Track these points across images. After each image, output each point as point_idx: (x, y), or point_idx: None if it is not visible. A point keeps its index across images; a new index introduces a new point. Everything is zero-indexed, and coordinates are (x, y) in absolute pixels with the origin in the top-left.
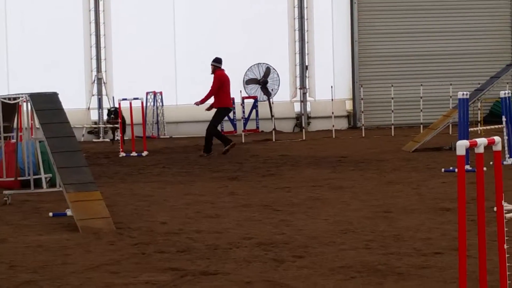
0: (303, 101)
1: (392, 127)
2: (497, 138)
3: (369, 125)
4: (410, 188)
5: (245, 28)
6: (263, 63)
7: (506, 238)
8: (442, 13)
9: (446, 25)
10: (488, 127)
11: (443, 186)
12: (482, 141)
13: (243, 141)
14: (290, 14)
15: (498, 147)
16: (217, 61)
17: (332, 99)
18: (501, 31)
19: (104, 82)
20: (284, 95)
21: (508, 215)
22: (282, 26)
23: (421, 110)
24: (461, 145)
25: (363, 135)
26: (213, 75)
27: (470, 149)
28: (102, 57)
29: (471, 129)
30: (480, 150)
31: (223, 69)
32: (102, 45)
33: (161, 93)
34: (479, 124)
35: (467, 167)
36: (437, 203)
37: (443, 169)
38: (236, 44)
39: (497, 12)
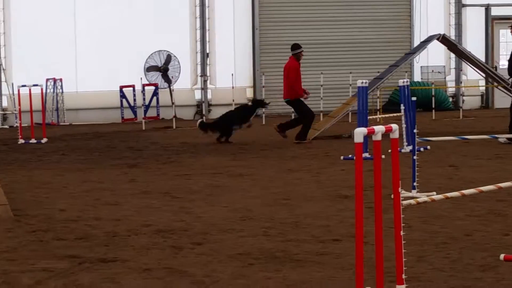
0: (204, 89)
1: (292, 114)
2: (394, 126)
3: (270, 113)
4: (309, 175)
5: (146, 15)
6: (164, 51)
7: (402, 225)
8: (343, 2)
9: (346, 14)
10: (387, 115)
11: (342, 173)
12: (379, 128)
13: (144, 128)
14: (191, 1)
15: (395, 135)
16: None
17: (233, 87)
18: (400, 20)
19: (3, 69)
20: (185, 82)
21: (404, 202)
22: (183, 14)
23: (321, 98)
24: (359, 133)
25: (264, 122)
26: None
27: (368, 136)
28: (1, 43)
29: (370, 117)
30: (378, 137)
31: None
32: (1, 31)
33: (61, 79)
34: (378, 112)
35: (366, 154)
36: (335, 190)
37: (342, 157)
38: (137, 31)
39: (396, 2)
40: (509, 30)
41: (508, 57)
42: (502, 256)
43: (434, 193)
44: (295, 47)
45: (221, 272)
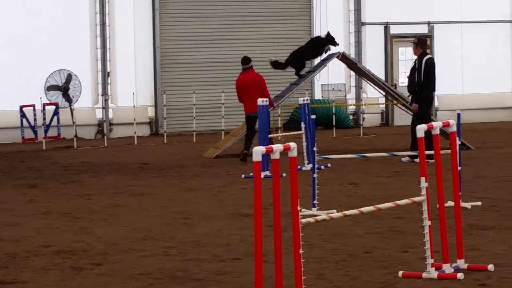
0: (105, 108)
1: (194, 133)
2: (292, 144)
3: (171, 132)
4: (210, 194)
5: (45, 34)
6: (65, 70)
7: (302, 243)
8: (244, 20)
9: (248, 32)
10: (288, 134)
11: (243, 192)
12: (278, 147)
13: (44, 148)
14: (91, 20)
15: (293, 153)
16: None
17: (134, 106)
18: (301, 38)
19: None
20: (86, 101)
21: (303, 220)
22: (83, 32)
23: (223, 117)
24: (258, 152)
25: (165, 141)
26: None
27: (269, 155)
28: None
29: (272, 135)
30: (276, 156)
31: (246, 70)
32: None
33: None
34: (279, 130)
35: (267, 173)
36: (236, 209)
37: (243, 175)
38: (36, 49)
39: (297, 20)
40: (411, 48)
41: (408, 74)
42: (400, 273)
43: (334, 210)
44: (249, 59)
45: None
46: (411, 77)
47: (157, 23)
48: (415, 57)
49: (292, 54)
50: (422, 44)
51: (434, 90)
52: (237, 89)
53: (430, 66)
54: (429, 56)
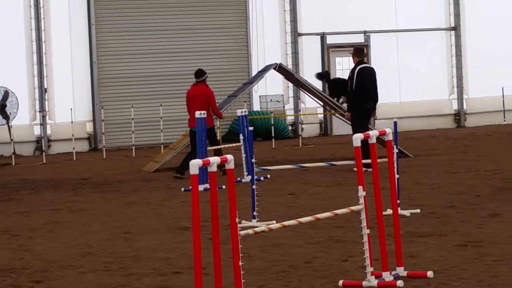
0: (43, 124)
1: (133, 148)
2: (229, 157)
3: (110, 147)
4: (150, 208)
5: None
6: (1, 87)
7: (241, 255)
8: (180, 33)
9: (184, 45)
10: (227, 146)
11: (183, 205)
12: (214, 160)
13: None
14: (27, 36)
15: (231, 166)
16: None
17: (72, 122)
18: (238, 50)
19: None
20: (23, 118)
21: (242, 232)
22: (19, 48)
23: (162, 130)
24: (194, 165)
25: (104, 156)
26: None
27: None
28: None
29: (211, 148)
30: (213, 169)
31: (197, 83)
32: None
33: None
34: (218, 142)
35: (207, 185)
36: (176, 222)
37: (183, 189)
38: None
39: (233, 32)
40: (349, 57)
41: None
42: (341, 282)
43: (274, 222)
44: (202, 72)
45: None
46: (348, 82)
47: (93, 38)
48: (352, 66)
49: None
50: (358, 53)
51: (373, 99)
52: (186, 101)
53: (362, 75)
54: (363, 65)
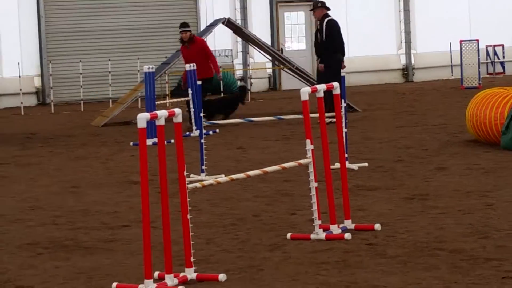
0: None
1: (82, 102)
2: (177, 110)
3: (58, 101)
4: (98, 162)
5: None
6: None
7: (190, 208)
8: None
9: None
10: (176, 100)
11: (132, 159)
12: (162, 113)
13: None
14: None
15: (178, 119)
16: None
17: (19, 76)
18: (186, 5)
19: None
20: None
21: (190, 186)
22: None
23: (110, 85)
24: (142, 118)
25: (53, 111)
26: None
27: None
28: None
29: (159, 102)
30: (161, 122)
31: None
32: None
33: None
34: (167, 97)
35: (155, 140)
36: (125, 176)
37: (131, 143)
38: None
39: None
40: (296, 12)
41: (296, 39)
42: (289, 235)
43: (223, 175)
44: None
45: (9, 263)
46: (315, 40)
47: None
48: (304, 21)
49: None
50: (325, 6)
51: (341, 50)
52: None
53: (330, 27)
54: (330, 18)
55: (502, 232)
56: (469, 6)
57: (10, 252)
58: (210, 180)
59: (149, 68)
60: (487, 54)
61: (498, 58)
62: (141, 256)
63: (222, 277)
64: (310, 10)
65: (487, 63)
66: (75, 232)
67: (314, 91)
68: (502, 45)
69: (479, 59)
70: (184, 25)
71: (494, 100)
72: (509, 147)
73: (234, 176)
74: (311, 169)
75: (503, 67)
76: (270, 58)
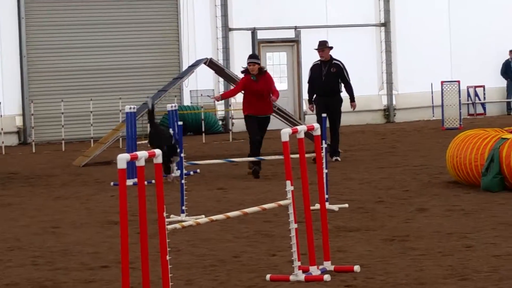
0: None
1: (63, 142)
2: (157, 151)
3: (40, 141)
4: (79, 202)
5: None
6: None
7: (169, 249)
8: (110, 27)
9: (115, 39)
10: None
11: (112, 199)
12: (142, 154)
13: None
14: None
15: (158, 160)
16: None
17: (1, 115)
18: (169, 45)
19: None
20: None
21: (169, 227)
22: None
23: (92, 125)
24: (122, 159)
25: (34, 151)
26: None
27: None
28: None
29: (140, 142)
30: (141, 163)
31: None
32: None
33: None
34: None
35: (135, 180)
36: (105, 216)
37: (112, 183)
38: None
39: (164, 26)
40: (278, 52)
41: (278, 80)
42: (268, 276)
43: (203, 216)
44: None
45: None
46: (318, 80)
47: (23, 32)
48: (286, 61)
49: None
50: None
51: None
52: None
53: (344, 68)
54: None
55: (481, 274)
56: (450, 47)
57: None
58: (190, 221)
59: (130, 108)
60: (468, 95)
61: (479, 99)
62: None
63: None
64: (317, 49)
65: (468, 104)
66: (55, 273)
67: (295, 132)
68: (483, 86)
69: (460, 100)
70: (253, 56)
71: (474, 142)
72: (490, 189)
73: (214, 217)
74: (291, 210)
75: (484, 108)
76: None
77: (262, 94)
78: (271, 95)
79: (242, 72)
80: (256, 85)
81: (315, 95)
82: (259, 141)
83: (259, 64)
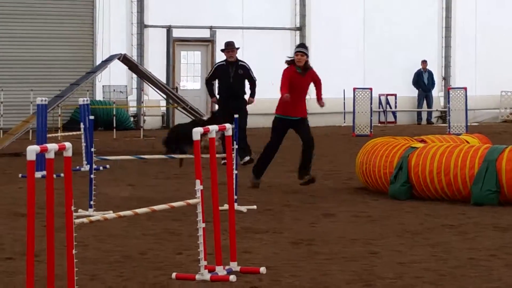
0: None
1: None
2: (67, 144)
3: None
4: None
5: None
6: None
7: (75, 243)
8: (24, 18)
9: (28, 31)
10: (68, 134)
11: (20, 191)
12: (52, 146)
13: None
14: None
15: (68, 153)
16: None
17: None
18: (82, 38)
19: None
20: None
21: (77, 221)
22: None
23: (2, 115)
24: (31, 150)
25: None
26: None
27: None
28: None
29: (50, 135)
30: (51, 155)
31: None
32: None
33: None
34: (59, 130)
35: (44, 173)
36: (11, 208)
37: (20, 175)
38: None
39: (79, 20)
40: (193, 52)
41: (192, 79)
42: (174, 274)
43: (111, 212)
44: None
45: None
46: (226, 80)
47: None
48: (200, 61)
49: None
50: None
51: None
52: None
53: (250, 69)
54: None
55: (386, 281)
56: (364, 55)
57: None
58: (97, 216)
59: (42, 100)
60: (380, 103)
61: (391, 107)
62: None
63: None
64: (226, 49)
65: (379, 111)
66: None
67: (206, 132)
68: (395, 95)
69: (371, 107)
70: (303, 45)
71: (384, 149)
72: (397, 197)
73: (122, 213)
74: (199, 209)
75: (395, 117)
76: (165, 96)
77: (305, 92)
78: (320, 100)
79: (287, 62)
80: (301, 80)
81: (218, 96)
82: (276, 150)
83: (308, 56)
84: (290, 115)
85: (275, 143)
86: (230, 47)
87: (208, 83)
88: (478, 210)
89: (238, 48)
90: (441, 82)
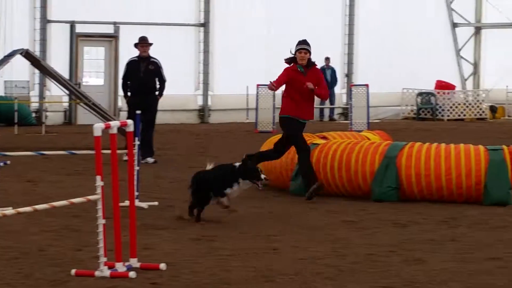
0: None
1: None
2: None
3: None
4: None
5: None
6: None
7: None
8: None
9: None
10: None
11: None
12: None
13: None
14: None
15: None
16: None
17: None
18: None
19: None
20: None
21: None
22: None
23: None
24: None
25: None
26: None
27: None
28: None
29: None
30: None
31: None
32: None
33: None
34: None
35: None
36: None
37: None
38: None
39: None
40: (96, 48)
41: (95, 74)
42: (73, 271)
43: (10, 208)
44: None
45: None
46: (137, 76)
47: None
48: (104, 56)
49: None
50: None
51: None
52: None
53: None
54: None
55: (286, 277)
56: (266, 51)
57: None
58: None
59: None
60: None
61: None
62: None
63: None
64: (139, 44)
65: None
66: None
67: (108, 128)
68: None
69: (274, 103)
70: (304, 42)
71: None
72: (298, 193)
73: (21, 209)
74: (99, 206)
75: None
76: (67, 92)
77: (310, 93)
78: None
79: (287, 61)
80: (303, 79)
81: (129, 93)
82: (310, 150)
83: (310, 53)
84: (303, 118)
85: (304, 144)
86: (143, 42)
87: (124, 82)
88: (378, 206)
89: (151, 44)
90: (343, 79)
